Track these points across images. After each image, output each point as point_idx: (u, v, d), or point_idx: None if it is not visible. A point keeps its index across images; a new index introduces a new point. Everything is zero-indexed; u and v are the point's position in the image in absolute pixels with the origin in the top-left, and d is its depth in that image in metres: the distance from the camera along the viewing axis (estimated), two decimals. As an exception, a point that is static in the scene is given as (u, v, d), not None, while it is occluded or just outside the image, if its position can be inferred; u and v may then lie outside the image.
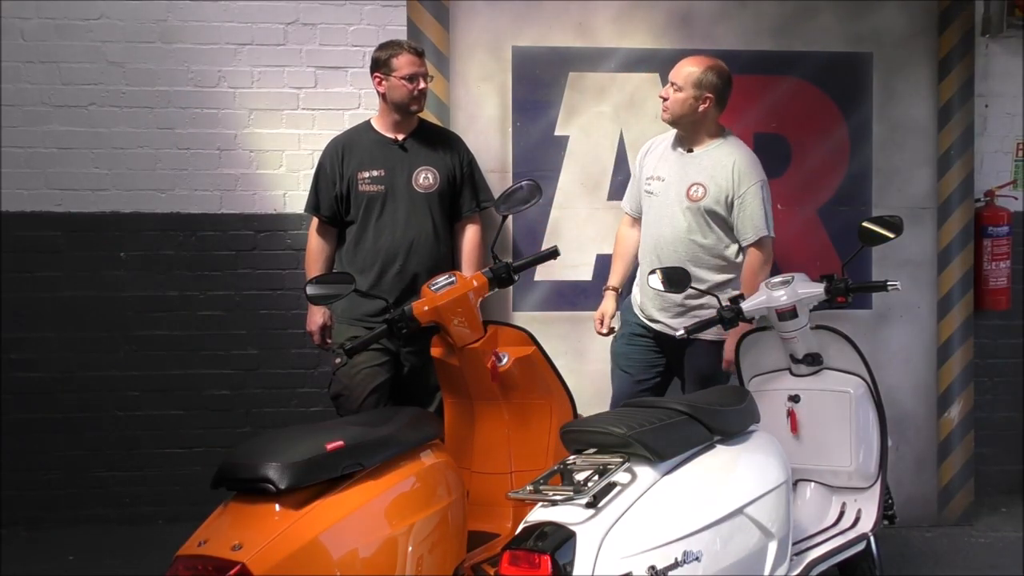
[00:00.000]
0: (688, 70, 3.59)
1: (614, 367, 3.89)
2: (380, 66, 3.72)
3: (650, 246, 3.71)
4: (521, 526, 2.37)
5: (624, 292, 3.90)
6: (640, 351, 3.78)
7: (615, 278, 3.90)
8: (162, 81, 4.38)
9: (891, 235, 3.36)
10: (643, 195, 3.78)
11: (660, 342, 3.74)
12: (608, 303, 3.85)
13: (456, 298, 3.20)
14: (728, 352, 3.58)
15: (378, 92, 3.76)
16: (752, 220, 3.56)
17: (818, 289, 3.27)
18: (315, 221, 3.90)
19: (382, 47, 3.77)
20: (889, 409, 3.44)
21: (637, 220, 3.85)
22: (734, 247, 3.63)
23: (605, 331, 3.83)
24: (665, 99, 3.62)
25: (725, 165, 3.59)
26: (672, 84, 3.60)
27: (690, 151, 3.68)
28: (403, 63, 3.70)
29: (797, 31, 4.32)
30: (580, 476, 2.45)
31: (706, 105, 3.58)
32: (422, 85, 3.74)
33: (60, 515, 4.44)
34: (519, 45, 4.24)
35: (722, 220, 3.60)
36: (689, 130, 3.65)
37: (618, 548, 2.31)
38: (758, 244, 3.59)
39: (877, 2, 4.34)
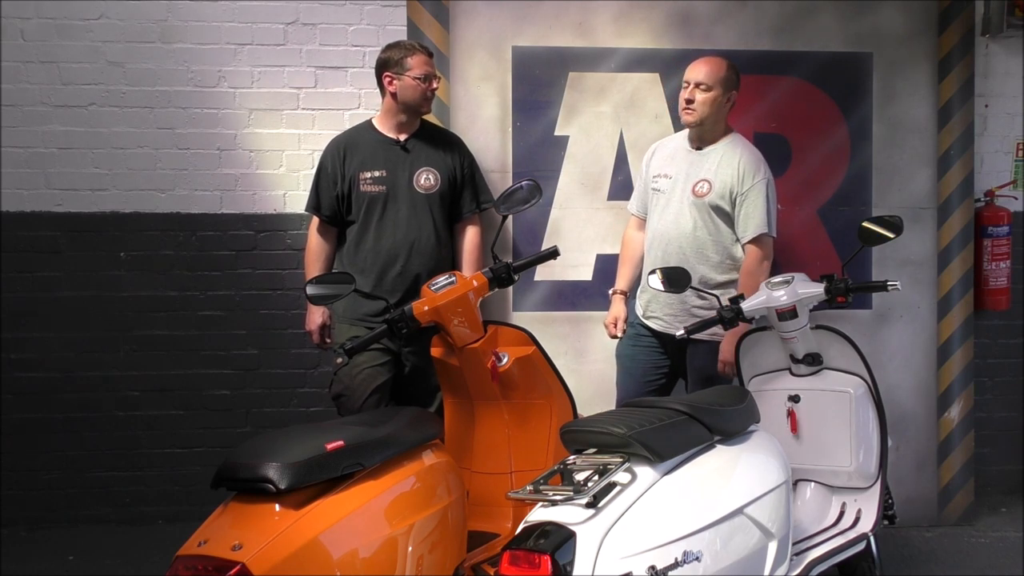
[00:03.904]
0: (711, 69, 3.60)
1: (619, 368, 3.89)
2: (392, 65, 3.72)
3: (656, 242, 3.72)
4: (521, 526, 2.37)
5: (632, 295, 3.90)
6: (644, 352, 3.79)
7: (622, 282, 3.90)
8: (162, 81, 4.38)
9: (891, 235, 3.36)
10: (650, 193, 3.79)
11: (663, 342, 3.74)
12: (618, 307, 3.85)
13: (456, 298, 3.20)
14: (725, 353, 3.58)
15: (388, 92, 3.75)
16: (753, 217, 3.57)
17: (818, 289, 3.27)
18: (315, 220, 3.90)
19: (393, 47, 3.77)
20: (889, 409, 3.45)
21: (644, 223, 3.86)
22: (740, 246, 3.63)
23: (620, 334, 3.82)
24: (691, 101, 3.61)
25: (731, 162, 3.61)
26: (699, 85, 3.59)
27: (699, 149, 3.70)
28: (417, 63, 3.70)
29: (797, 31, 4.32)
30: (580, 476, 2.45)
31: (729, 102, 3.63)
32: (434, 85, 3.75)
33: (60, 515, 4.44)
34: (519, 45, 4.24)
35: (727, 216, 3.61)
36: (708, 129, 3.67)
37: (618, 548, 2.31)
38: (757, 242, 3.59)
39: (877, 2, 4.34)
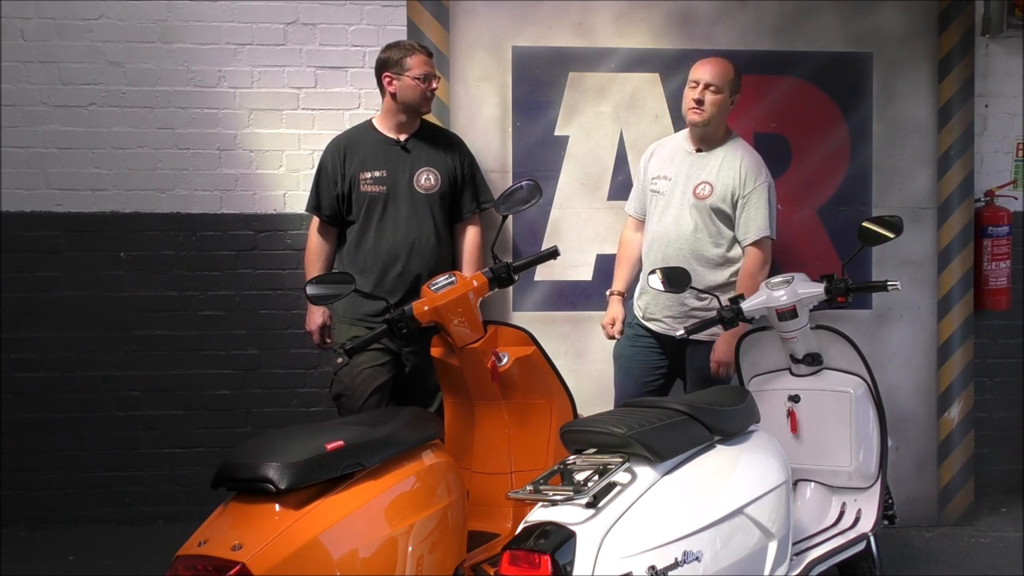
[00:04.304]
0: (722, 71, 3.60)
1: (617, 369, 3.89)
2: (392, 65, 3.72)
3: (655, 244, 3.71)
4: (521, 526, 2.37)
5: (629, 296, 3.89)
6: (642, 352, 3.78)
7: (619, 282, 3.89)
8: (162, 81, 4.38)
9: (891, 235, 3.36)
10: (649, 195, 3.79)
11: (662, 343, 3.74)
12: (615, 307, 3.84)
13: (456, 298, 3.20)
14: (719, 354, 3.56)
15: (388, 92, 3.75)
16: (755, 220, 3.57)
17: (818, 289, 3.27)
18: (315, 220, 3.90)
19: (393, 47, 3.77)
20: (889, 409, 3.45)
21: (641, 224, 3.86)
22: (739, 248, 3.63)
23: (618, 335, 3.82)
24: (700, 101, 3.58)
25: (733, 165, 3.60)
26: (709, 86, 3.57)
27: (699, 151, 3.69)
28: (416, 63, 3.70)
29: (797, 31, 4.32)
30: (580, 476, 2.45)
31: (733, 105, 3.64)
32: (434, 85, 3.75)
33: (60, 515, 4.44)
34: (519, 45, 4.24)
35: (727, 219, 3.61)
36: (711, 131, 3.66)
37: (618, 548, 2.31)
38: (758, 244, 3.59)
39: (877, 2, 4.34)
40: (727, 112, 3.65)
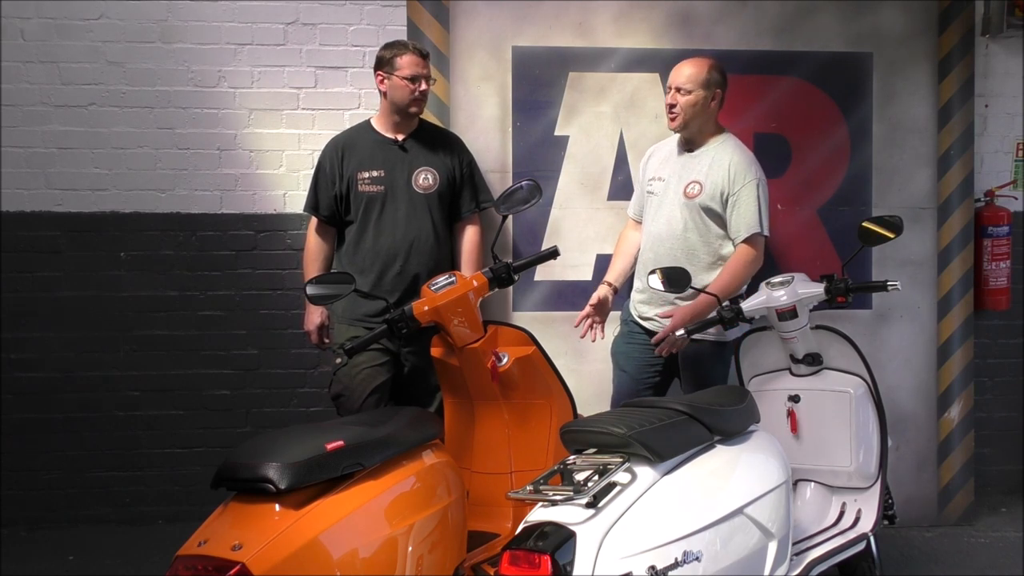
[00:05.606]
0: (692, 71, 3.60)
1: (614, 366, 3.89)
2: (383, 64, 3.72)
3: (648, 243, 3.73)
4: (521, 526, 2.37)
5: (623, 291, 3.90)
6: (638, 350, 3.78)
7: (612, 274, 3.89)
8: (162, 81, 4.38)
9: (891, 235, 3.36)
10: (645, 197, 3.79)
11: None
12: (599, 291, 3.80)
13: (456, 298, 3.20)
14: (674, 319, 3.52)
15: (380, 91, 3.76)
16: (745, 217, 3.56)
17: (818, 289, 3.27)
18: (314, 220, 3.90)
19: (387, 46, 3.77)
20: (889, 409, 3.45)
21: (639, 225, 3.87)
22: (730, 246, 3.63)
23: (588, 308, 3.76)
24: (673, 105, 3.60)
25: (722, 163, 3.61)
26: (679, 89, 3.59)
27: (690, 151, 3.70)
28: (406, 63, 3.69)
29: (797, 31, 4.32)
30: (580, 476, 2.45)
31: (715, 102, 3.62)
32: (423, 87, 3.74)
33: (60, 515, 4.44)
34: (519, 45, 4.24)
35: (718, 217, 3.61)
36: (695, 132, 3.66)
37: (618, 548, 2.32)
38: (750, 242, 3.58)
39: (877, 2, 4.34)
40: (709, 110, 3.63)
